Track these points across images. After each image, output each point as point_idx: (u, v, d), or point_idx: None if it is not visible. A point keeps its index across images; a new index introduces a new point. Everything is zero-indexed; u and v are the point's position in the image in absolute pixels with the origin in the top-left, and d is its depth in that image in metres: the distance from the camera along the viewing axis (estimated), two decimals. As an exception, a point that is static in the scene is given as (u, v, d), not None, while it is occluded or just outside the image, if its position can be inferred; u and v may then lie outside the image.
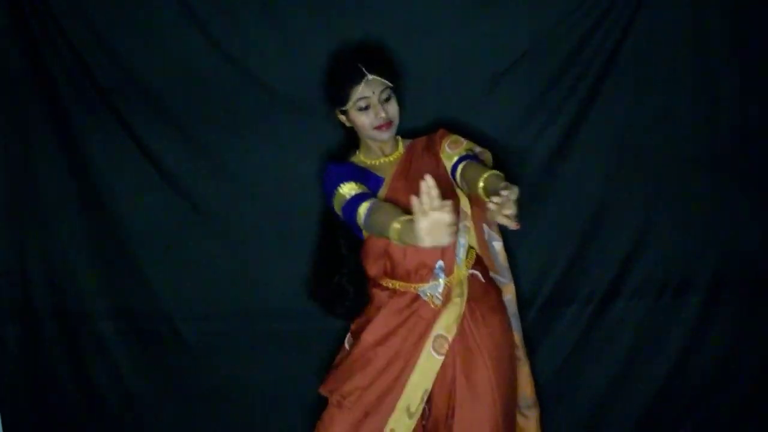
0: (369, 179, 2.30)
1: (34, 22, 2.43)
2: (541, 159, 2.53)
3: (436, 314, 2.28)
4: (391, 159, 2.35)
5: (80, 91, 2.49)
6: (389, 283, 2.33)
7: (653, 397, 2.68)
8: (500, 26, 2.43)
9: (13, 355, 2.63)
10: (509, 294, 2.48)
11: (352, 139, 2.37)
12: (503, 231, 2.44)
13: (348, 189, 2.20)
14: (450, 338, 2.26)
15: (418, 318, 2.29)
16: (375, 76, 2.21)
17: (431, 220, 1.72)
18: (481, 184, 2.07)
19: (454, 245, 2.29)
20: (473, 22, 2.44)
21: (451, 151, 2.28)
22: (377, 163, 2.35)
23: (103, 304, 2.61)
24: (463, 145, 2.29)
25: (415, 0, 2.44)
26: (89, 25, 2.44)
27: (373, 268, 2.35)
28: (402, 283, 2.31)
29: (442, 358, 2.26)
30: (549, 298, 2.62)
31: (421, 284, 2.29)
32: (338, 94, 2.25)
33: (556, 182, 2.54)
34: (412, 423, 2.27)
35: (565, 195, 2.55)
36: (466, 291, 2.31)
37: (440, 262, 2.29)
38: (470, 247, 2.39)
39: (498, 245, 2.45)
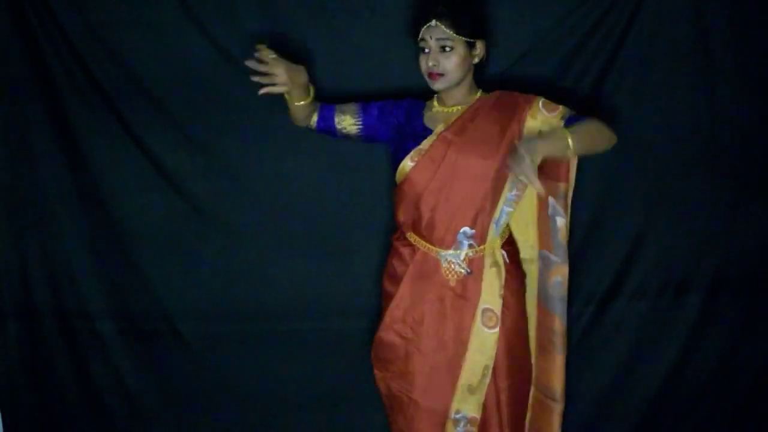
0: (416, 125, 2.30)
1: (34, 22, 2.43)
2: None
3: (472, 287, 2.27)
4: (452, 110, 2.31)
5: (80, 91, 2.49)
6: (413, 238, 2.32)
7: (653, 397, 2.68)
8: (500, 26, 2.43)
9: (14, 354, 2.63)
10: (559, 276, 2.41)
11: None
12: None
13: (346, 112, 2.34)
14: (497, 311, 2.27)
15: (446, 290, 2.28)
16: (439, 23, 2.19)
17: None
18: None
19: (490, 213, 2.26)
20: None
21: (548, 113, 2.24)
22: (436, 112, 2.32)
23: (103, 304, 2.61)
24: (559, 109, 2.25)
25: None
26: (89, 24, 2.44)
27: (401, 214, 2.34)
28: (425, 243, 2.29)
29: (494, 331, 2.27)
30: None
31: (443, 249, 2.27)
32: (412, 28, 2.27)
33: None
34: (477, 398, 2.29)
35: (565, 195, 2.55)
36: (501, 261, 2.29)
37: (465, 229, 2.26)
38: (506, 226, 2.35)
39: (561, 221, 2.37)
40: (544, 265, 2.42)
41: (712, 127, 2.55)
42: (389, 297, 2.36)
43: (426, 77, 2.25)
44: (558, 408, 2.46)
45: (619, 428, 2.71)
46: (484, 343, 2.28)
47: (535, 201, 2.38)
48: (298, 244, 2.58)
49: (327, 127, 2.35)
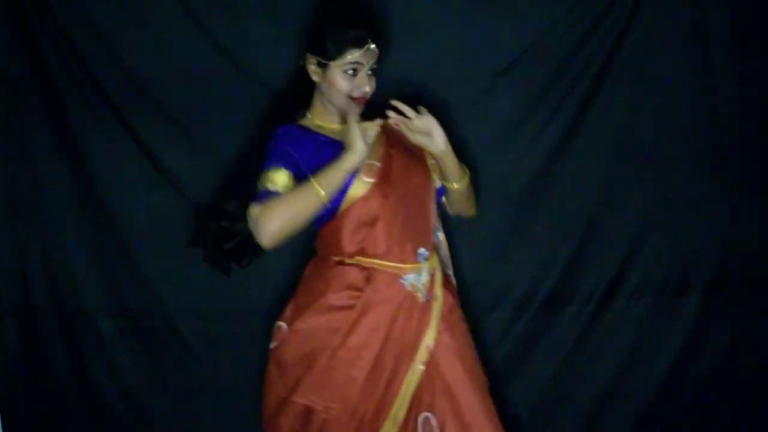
0: (328, 150, 2.09)
1: (34, 22, 2.44)
2: (540, 158, 2.53)
3: (423, 315, 2.15)
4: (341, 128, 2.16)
5: (80, 91, 2.49)
6: (363, 261, 2.13)
7: (653, 397, 2.67)
8: (500, 25, 2.44)
9: (13, 352, 2.62)
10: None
11: (303, 95, 2.21)
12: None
13: (276, 180, 2.04)
14: (431, 347, 2.14)
15: (409, 318, 2.13)
16: (376, 49, 2.11)
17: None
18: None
19: (432, 234, 2.19)
20: (473, 21, 2.44)
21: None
22: (332, 131, 2.17)
23: (103, 303, 2.60)
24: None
25: (415, -1, 2.45)
26: (89, 24, 2.45)
27: (349, 245, 2.13)
28: (386, 264, 2.12)
29: (423, 368, 2.13)
30: (548, 297, 2.62)
31: (404, 273, 2.13)
32: (329, 46, 2.08)
33: (555, 181, 2.54)
34: (396, 428, 2.15)
35: (565, 194, 2.55)
36: (441, 291, 2.19)
37: (422, 250, 2.15)
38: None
39: (441, 235, 2.32)
40: None
41: (711, 127, 2.55)
42: (326, 331, 2.13)
43: (346, 100, 2.12)
44: None
45: (619, 427, 2.70)
46: (414, 379, 2.13)
47: None
48: (297, 244, 2.57)
49: None
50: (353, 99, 2.13)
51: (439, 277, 2.21)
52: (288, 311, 2.23)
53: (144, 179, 2.55)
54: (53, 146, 2.53)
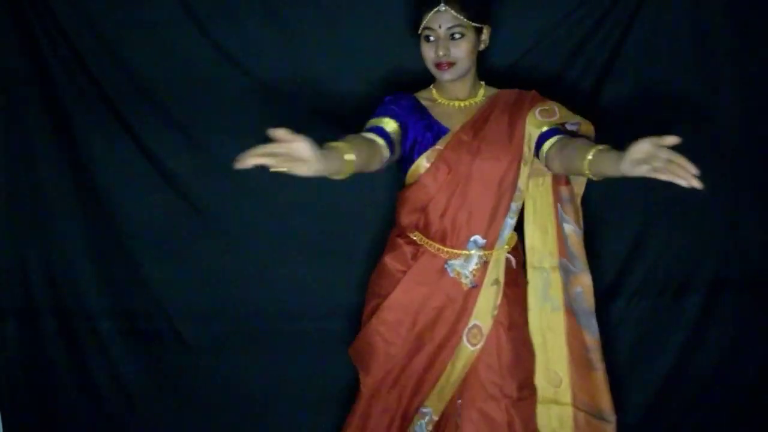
0: (429, 125, 2.14)
1: (34, 22, 2.44)
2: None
3: (468, 299, 2.19)
4: (463, 105, 2.20)
5: (80, 91, 2.49)
6: (418, 237, 2.21)
7: (653, 397, 2.68)
8: (501, 25, 2.43)
9: (14, 354, 2.63)
10: (579, 286, 2.34)
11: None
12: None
13: (383, 123, 2.08)
14: (485, 330, 2.19)
15: (449, 301, 2.18)
16: (448, 8, 2.06)
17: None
18: (589, 157, 1.89)
19: (499, 222, 2.18)
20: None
21: (541, 119, 2.13)
22: (446, 105, 2.20)
23: (103, 304, 2.61)
24: (557, 116, 2.14)
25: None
26: (90, 25, 2.45)
27: (405, 219, 2.22)
28: (434, 245, 2.18)
29: (475, 349, 2.20)
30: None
31: (451, 257, 2.18)
32: (415, 17, 2.13)
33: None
34: (443, 404, 2.24)
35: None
36: (502, 276, 2.22)
37: (476, 237, 2.16)
38: (512, 231, 2.27)
39: (569, 228, 2.31)
40: (565, 274, 2.36)
41: (712, 127, 2.55)
42: (377, 296, 2.26)
43: (432, 67, 2.14)
44: (610, 428, 2.33)
45: (619, 427, 2.70)
46: (463, 359, 2.21)
47: (551, 207, 2.32)
48: (298, 244, 2.58)
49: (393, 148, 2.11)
50: (436, 66, 2.12)
51: (500, 264, 2.21)
52: None
53: (144, 179, 2.55)
54: (53, 147, 2.53)
